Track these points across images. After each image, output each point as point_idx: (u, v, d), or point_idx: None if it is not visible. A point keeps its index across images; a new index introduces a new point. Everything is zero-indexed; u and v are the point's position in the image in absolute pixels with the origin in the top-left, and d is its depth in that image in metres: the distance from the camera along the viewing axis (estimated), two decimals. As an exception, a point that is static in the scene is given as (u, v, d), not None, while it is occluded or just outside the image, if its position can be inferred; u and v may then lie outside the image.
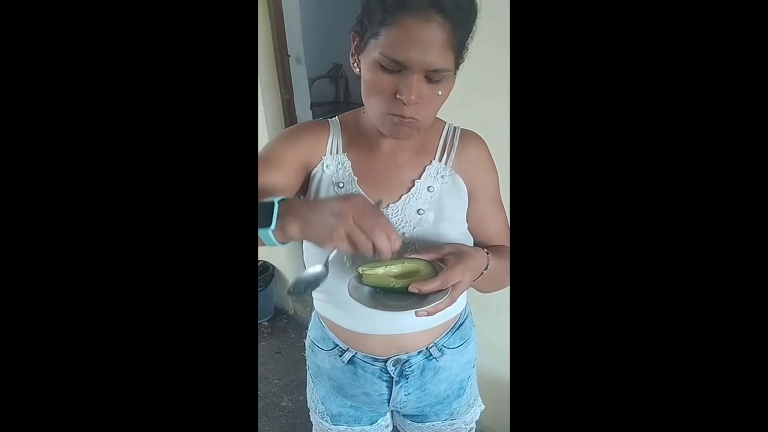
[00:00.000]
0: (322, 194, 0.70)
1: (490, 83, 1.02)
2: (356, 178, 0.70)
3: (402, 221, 0.69)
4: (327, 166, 0.70)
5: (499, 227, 0.75)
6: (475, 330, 0.86)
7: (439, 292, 0.58)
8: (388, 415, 0.91)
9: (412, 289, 0.58)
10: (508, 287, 0.62)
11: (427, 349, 0.77)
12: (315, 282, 0.61)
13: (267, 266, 2.30)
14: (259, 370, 1.91)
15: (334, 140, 0.72)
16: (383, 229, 0.52)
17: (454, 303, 0.65)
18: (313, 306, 0.84)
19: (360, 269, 0.63)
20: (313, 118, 1.73)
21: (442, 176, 0.71)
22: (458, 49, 0.58)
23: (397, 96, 0.58)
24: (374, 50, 0.57)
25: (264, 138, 1.92)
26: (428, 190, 0.70)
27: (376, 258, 0.54)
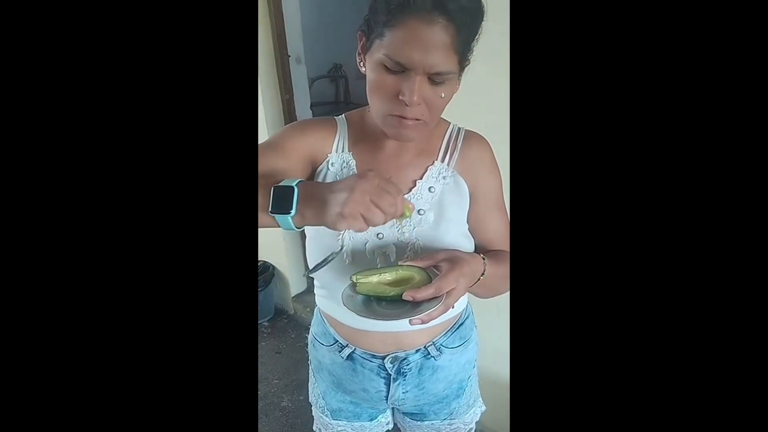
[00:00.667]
0: None
1: (491, 83, 1.02)
2: None
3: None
4: (332, 164, 0.71)
5: (498, 230, 0.75)
6: (476, 330, 0.86)
7: (433, 300, 0.57)
8: (388, 412, 0.91)
9: (406, 296, 0.57)
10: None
11: (425, 347, 0.78)
12: (330, 256, 0.61)
13: (267, 266, 2.30)
14: (259, 370, 1.91)
15: (340, 138, 0.72)
16: (392, 197, 0.51)
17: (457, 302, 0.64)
18: (313, 306, 0.84)
19: (354, 277, 0.62)
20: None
21: (444, 177, 0.71)
22: (462, 52, 0.58)
23: (400, 97, 0.58)
24: (378, 51, 0.57)
25: (264, 138, 1.91)
26: (429, 190, 0.70)
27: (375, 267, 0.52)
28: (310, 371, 0.92)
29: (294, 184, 0.53)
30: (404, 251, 0.69)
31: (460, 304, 0.80)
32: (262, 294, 2.22)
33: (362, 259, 0.69)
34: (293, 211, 0.52)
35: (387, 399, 0.82)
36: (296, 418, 1.77)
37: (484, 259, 0.66)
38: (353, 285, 0.62)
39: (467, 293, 0.72)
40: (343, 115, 0.75)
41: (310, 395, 0.94)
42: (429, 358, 0.78)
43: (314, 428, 0.96)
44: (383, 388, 0.80)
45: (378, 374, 0.79)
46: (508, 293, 0.57)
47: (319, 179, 0.71)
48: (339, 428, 0.89)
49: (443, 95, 0.60)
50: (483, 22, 0.59)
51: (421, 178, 0.70)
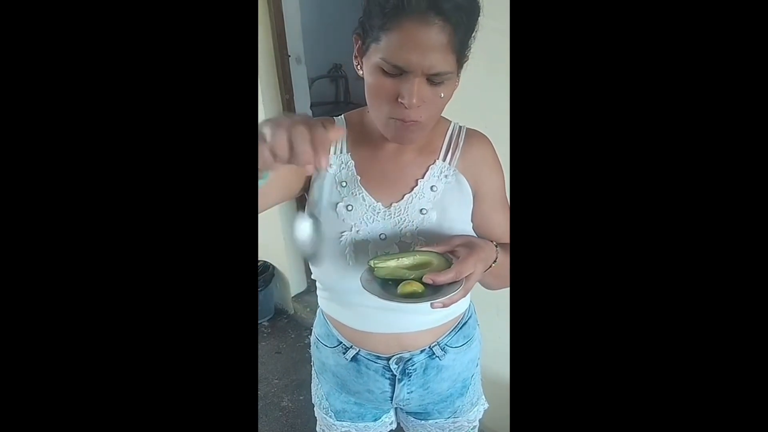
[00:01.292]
0: (326, 193, 0.70)
1: (491, 82, 1.02)
2: (359, 177, 0.70)
3: (405, 221, 0.69)
4: (330, 165, 0.70)
5: (503, 228, 0.75)
6: (479, 329, 0.87)
7: (453, 284, 0.58)
8: (392, 412, 0.91)
9: (427, 279, 0.57)
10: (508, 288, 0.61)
11: (429, 347, 0.78)
12: (315, 234, 0.60)
13: (267, 266, 2.30)
14: (259, 370, 1.90)
15: (339, 139, 0.72)
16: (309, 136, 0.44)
17: (460, 301, 0.64)
18: (313, 306, 0.84)
19: (371, 263, 0.63)
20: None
21: (446, 176, 0.70)
22: (460, 50, 0.57)
23: (399, 100, 0.57)
24: (375, 54, 0.57)
25: (264, 138, 1.91)
26: (431, 189, 0.70)
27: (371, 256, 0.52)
28: (313, 372, 0.92)
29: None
30: (411, 246, 0.69)
31: (463, 302, 0.80)
32: (262, 294, 2.21)
33: (364, 260, 0.69)
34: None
35: (392, 399, 0.82)
36: (296, 418, 1.77)
37: (496, 246, 0.66)
38: (371, 269, 0.62)
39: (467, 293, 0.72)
40: (342, 115, 0.75)
41: (313, 396, 0.94)
42: (434, 358, 0.78)
43: (317, 429, 0.95)
44: (388, 388, 0.80)
45: (383, 375, 0.78)
46: (508, 293, 0.57)
47: (318, 180, 0.71)
48: (343, 429, 0.89)
49: (443, 95, 0.59)
50: (480, 18, 0.58)
51: (422, 177, 0.70)
